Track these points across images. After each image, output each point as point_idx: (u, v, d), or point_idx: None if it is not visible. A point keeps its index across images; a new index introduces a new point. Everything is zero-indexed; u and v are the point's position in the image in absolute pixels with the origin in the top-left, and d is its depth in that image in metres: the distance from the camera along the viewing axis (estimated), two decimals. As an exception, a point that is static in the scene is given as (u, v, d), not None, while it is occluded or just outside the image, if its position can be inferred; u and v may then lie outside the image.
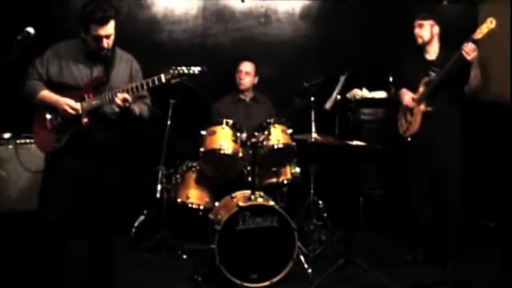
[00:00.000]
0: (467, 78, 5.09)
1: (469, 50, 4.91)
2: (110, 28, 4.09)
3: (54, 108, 4.19)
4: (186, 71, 4.11)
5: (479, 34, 4.94)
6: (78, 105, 4.13)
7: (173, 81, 4.10)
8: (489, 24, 4.88)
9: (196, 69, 4.14)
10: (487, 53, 6.26)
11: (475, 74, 5.05)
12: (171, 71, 4.09)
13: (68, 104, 4.11)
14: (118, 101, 4.07)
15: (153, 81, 4.10)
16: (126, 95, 4.07)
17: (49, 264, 4.29)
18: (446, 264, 5.28)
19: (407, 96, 5.37)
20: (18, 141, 5.59)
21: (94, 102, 4.15)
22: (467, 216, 5.45)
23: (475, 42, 5.00)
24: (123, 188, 4.46)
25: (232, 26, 6.56)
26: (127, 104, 4.10)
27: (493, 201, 6.14)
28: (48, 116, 4.24)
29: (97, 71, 4.22)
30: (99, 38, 4.07)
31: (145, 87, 4.13)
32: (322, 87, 5.72)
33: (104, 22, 4.03)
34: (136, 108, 4.30)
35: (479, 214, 6.21)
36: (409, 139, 5.37)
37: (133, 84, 4.14)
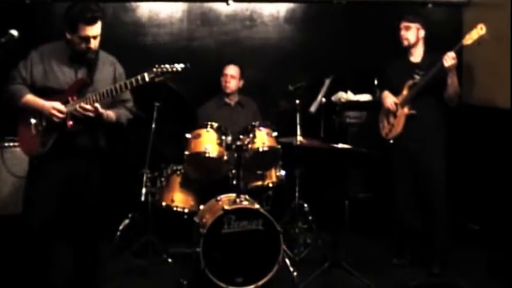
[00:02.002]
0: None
1: (448, 58, 4.94)
2: (97, 28, 4.09)
3: (38, 112, 4.16)
4: (169, 69, 4.12)
5: (468, 40, 4.97)
6: (64, 108, 4.11)
7: (157, 79, 4.10)
8: (479, 31, 4.91)
9: (179, 67, 4.15)
10: (472, 56, 6.31)
11: (452, 81, 5.09)
12: (154, 70, 4.10)
13: (55, 107, 4.09)
14: (79, 110, 4.09)
15: (137, 81, 4.09)
16: (85, 107, 4.09)
17: (34, 269, 4.26)
18: (432, 267, 5.29)
19: (389, 100, 5.39)
20: (3, 145, 5.54)
21: (78, 105, 4.12)
22: (453, 219, 5.46)
23: (462, 47, 5.03)
24: (107, 191, 4.43)
25: (217, 29, 6.55)
26: (90, 114, 4.10)
27: (479, 204, 6.17)
28: (33, 121, 4.21)
29: (81, 74, 4.21)
30: (87, 38, 4.07)
31: (129, 86, 4.12)
32: (307, 90, 5.73)
33: (92, 22, 4.04)
34: (112, 114, 4.29)
35: (465, 217, 6.24)
36: (391, 141, 5.39)
37: (118, 84, 4.14)
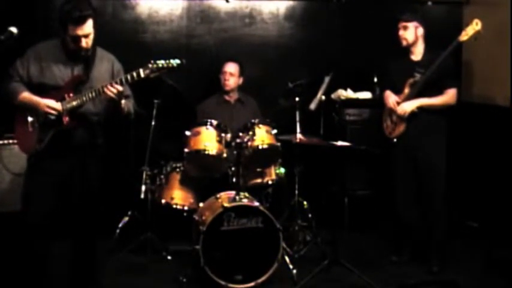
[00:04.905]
0: (450, 81, 5.19)
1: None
2: (87, 27, 4.03)
3: (35, 110, 4.15)
4: (165, 65, 4.08)
5: (464, 36, 4.98)
6: (58, 105, 4.09)
7: (152, 75, 4.07)
8: (475, 26, 4.91)
9: (175, 62, 4.10)
10: (471, 54, 6.32)
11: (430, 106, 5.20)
12: (149, 65, 4.06)
13: (48, 105, 4.08)
14: (108, 92, 4.01)
15: (132, 76, 4.06)
16: (118, 86, 4.03)
17: (32, 267, 4.25)
18: (431, 264, 5.29)
19: (391, 99, 5.38)
20: (1, 142, 5.53)
21: (75, 102, 4.11)
22: (452, 216, 5.47)
23: (460, 43, 5.03)
24: (106, 188, 4.43)
25: (216, 26, 6.54)
26: (118, 96, 4.06)
27: (478, 201, 6.17)
28: (30, 118, 4.20)
29: (78, 71, 4.19)
30: (77, 38, 4.02)
31: (124, 82, 4.08)
32: (307, 87, 5.72)
33: (80, 22, 3.98)
34: (125, 105, 4.28)
35: (463, 214, 6.25)
36: (395, 140, 5.38)
37: (113, 81, 4.10)
